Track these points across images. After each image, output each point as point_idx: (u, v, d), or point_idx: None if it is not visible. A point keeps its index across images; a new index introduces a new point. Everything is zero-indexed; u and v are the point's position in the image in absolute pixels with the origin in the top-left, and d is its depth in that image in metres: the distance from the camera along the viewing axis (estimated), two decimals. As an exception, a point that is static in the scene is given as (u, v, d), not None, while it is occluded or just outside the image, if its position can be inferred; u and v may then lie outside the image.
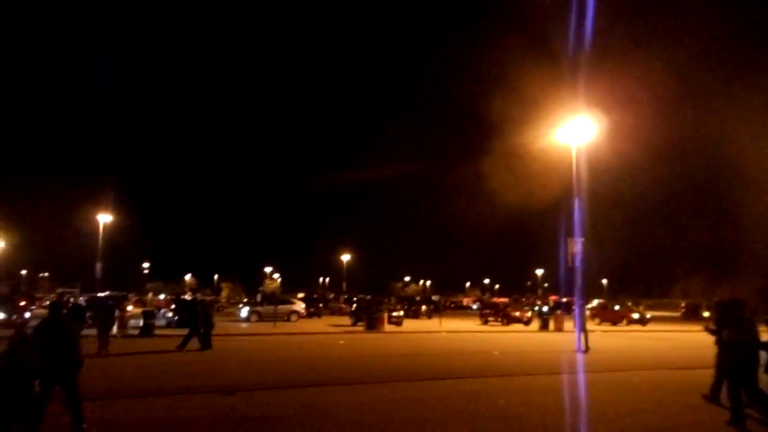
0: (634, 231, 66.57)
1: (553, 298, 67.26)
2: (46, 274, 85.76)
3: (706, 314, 54.52)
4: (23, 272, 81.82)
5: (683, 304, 60.86)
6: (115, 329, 23.16)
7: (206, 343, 18.45)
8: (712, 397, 9.15)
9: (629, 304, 56.27)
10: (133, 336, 22.60)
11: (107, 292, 36.14)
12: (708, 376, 9.43)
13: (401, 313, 34.36)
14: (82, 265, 55.74)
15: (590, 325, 29.54)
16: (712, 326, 9.33)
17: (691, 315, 54.14)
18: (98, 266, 40.68)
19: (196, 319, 19.10)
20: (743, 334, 7.96)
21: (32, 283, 79.74)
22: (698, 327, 9.15)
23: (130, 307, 25.36)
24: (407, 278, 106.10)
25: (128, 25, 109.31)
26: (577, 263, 20.14)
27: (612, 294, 78.83)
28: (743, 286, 67.13)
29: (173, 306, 31.24)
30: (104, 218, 40.25)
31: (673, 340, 25.88)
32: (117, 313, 23.90)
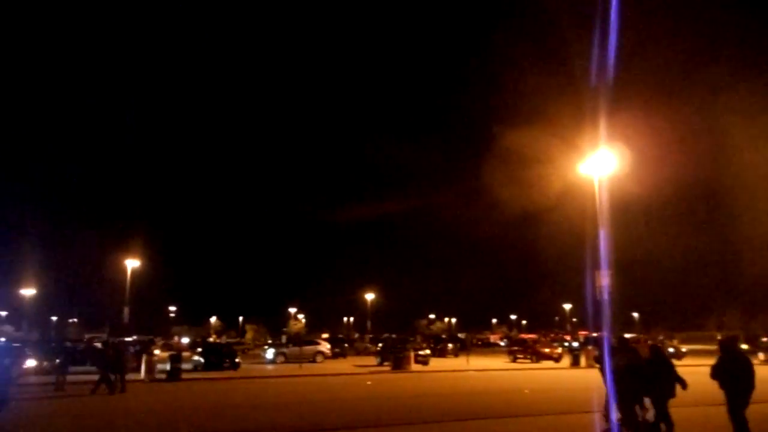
0: (665, 263, 65.02)
1: (583, 333, 65.66)
2: (75, 320, 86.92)
3: (744, 346, 52.49)
4: (53, 318, 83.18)
5: (719, 337, 58.64)
6: (142, 373, 23.33)
7: (121, 387, 18.29)
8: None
9: (661, 337, 54.61)
10: (160, 380, 22.64)
11: (134, 337, 36.42)
12: (751, 411, 9.02)
13: (428, 351, 33.85)
14: (110, 311, 56.38)
15: (623, 361, 28.61)
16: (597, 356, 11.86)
17: (729, 348, 52.03)
18: (125, 311, 41.06)
19: (107, 363, 18.79)
20: (630, 360, 9.70)
21: (62, 328, 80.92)
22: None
23: (157, 351, 25.62)
24: (432, 316, 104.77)
25: (155, 75, 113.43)
26: (605, 296, 19.71)
27: (645, 327, 76.70)
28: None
29: (200, 349, 31.38)
30: (132, 263, 40.89)
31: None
32: (144, 357, 24.14)
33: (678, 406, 9.64)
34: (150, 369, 23.23)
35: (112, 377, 18.31)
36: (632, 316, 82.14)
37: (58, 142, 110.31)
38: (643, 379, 9.50)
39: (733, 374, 8.42)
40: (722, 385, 8.51)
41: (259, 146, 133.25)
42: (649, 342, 12.99)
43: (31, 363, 26.64)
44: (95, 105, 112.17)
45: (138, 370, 23.96)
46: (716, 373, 8.56)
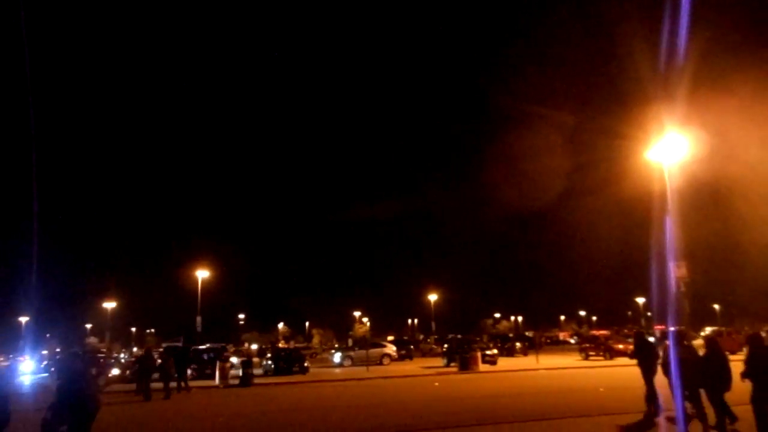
0: (748, 252, 60.97)
1: (659, 327, 62.66)
2: (153, 330, 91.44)
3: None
4: (133, 329, 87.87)
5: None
6: (216, 379, 24.18)
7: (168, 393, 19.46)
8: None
9: (746, 328, 51.31)
10: (233, 386, 23.38)
11: (207, 344, 37.68)
12: None
13: (495, 351, 33.29)
14: (184, 320, 58.90)
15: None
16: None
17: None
18: (198, 320, 42.62)
19: (167, 369, 20.15)
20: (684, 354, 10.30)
21: (140, 338, 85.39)
22: None
23: (234, 359, 26.51)
24: (497, 315, 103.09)
25: (214, 95, 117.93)
26: (673, 289, 18.76)
27: (728, 320, 72.41)
28: None
29: (269, 355, 32.23)
30: (202, 274, 42.49)
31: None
32: (218, 364, 25.05)
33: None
34: (223, 375, 24.06)
35: (174, 384, 19.56)
36: (713, 309, 77.78)
37: (134, 169, 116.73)
38: (698, 373, 9.85)
39: (758, 368, 8.72)
40: (751, 379, 8.81)
41: (315, 154, 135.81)
42: (709, 335, 13.60)
43: (115, 371, 28.18)
44: (163, 128, 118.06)
45: (212, 376, 24.89)
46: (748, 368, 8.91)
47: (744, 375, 8.92)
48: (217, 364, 25.06)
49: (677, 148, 17.18)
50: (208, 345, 36.20)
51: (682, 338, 11.03)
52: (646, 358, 12.23)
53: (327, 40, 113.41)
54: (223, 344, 43.48)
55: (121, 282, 70.17)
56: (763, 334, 27.53)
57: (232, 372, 25.61)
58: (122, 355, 51.25)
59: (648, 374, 12.01)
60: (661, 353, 11.92)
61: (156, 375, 20.82)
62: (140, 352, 38.74)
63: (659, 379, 11.60)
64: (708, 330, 47.11)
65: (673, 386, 10.38)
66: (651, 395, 11.77)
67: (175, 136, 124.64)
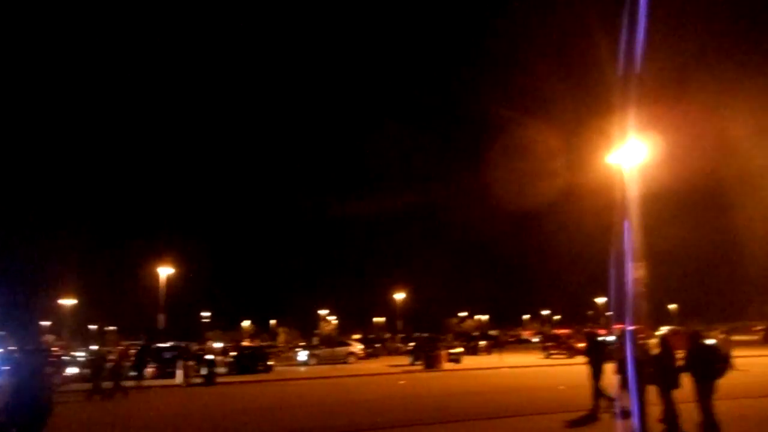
0: (703, 253, 63.26)
1: (618, 326, 64.33)
2: (114, 328, 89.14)
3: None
4: (93, 327, 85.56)
5: (759, 327, 56.60)
6: (181, 378, 23.79)
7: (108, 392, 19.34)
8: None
9: (699, 328, 53.11)
10: (196, 384, 23.04)
11: (170, 343, 36.98)
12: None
13: (460, 350, 33.67)
14: (146, 318, 57.59)
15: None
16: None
17: (771, 337, 50.40)
18: (161, 318, 41.76)
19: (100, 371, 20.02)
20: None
21: (101, 336, 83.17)
22: None
23: (210, 357, 25.92)
24: (463, 313, 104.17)
25: (179, 87, 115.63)
26: (631, 289, 19.34)
27: (683, 319, 74.92)
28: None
29: (233, 353, 31.93)
30: (165, 271, 41.63)
31: (753, 366, 23.98)
32: (181, 362, 24.66)
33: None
34: (186, 374, 23.68)
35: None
36: (669, 309, 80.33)
37: (94, 160, 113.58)
38: (649, 371, 10.12)
39: (697, 363, 9.28)
40: (691, 373, 9.33)
41: (283, 149, 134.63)
42: (658, 334, 14.35)
43: (73, 370, 27.43)
44: (125, 122, 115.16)
45: (174, 375, 24.46)
46: (687, 364, 9.45)
47: (682, 369, 9.45)
48: (180, 362, 24.66)
49: (637, 152, 17.66)
50: (172, 343, 35.55)
51: (635, 337, 11.32)
52: (595, 356, 12.79)
53: (316, 29, 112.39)
54: (186, 343, 42.78)
55: (81, 278, 68.10)
56: (721, 336, 28.64)
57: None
58: (80, 354, 49.82)
59: (596, 372, 12.48)
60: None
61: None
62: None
63: (611, 376, 11.96)
64: (663, 329, 48.63)
65: (624, 384, 10.67)
66: (597, 392, 12.20)
67: (137, 129, 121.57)
